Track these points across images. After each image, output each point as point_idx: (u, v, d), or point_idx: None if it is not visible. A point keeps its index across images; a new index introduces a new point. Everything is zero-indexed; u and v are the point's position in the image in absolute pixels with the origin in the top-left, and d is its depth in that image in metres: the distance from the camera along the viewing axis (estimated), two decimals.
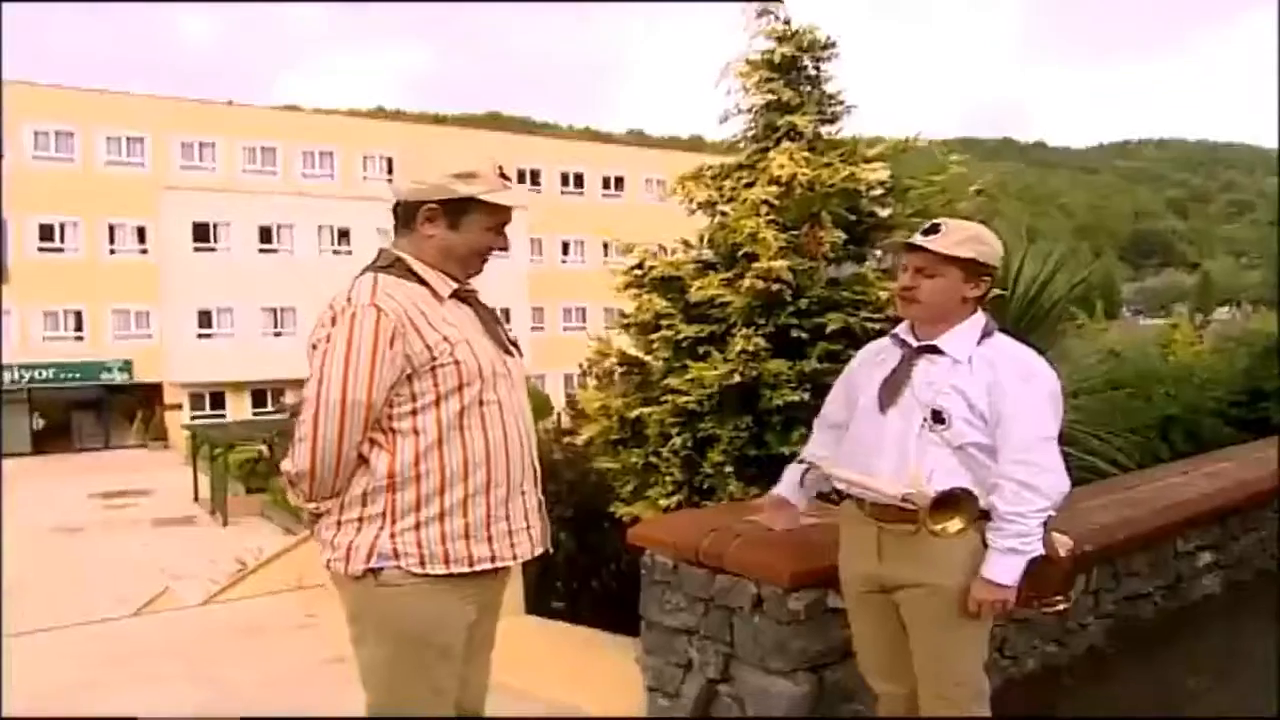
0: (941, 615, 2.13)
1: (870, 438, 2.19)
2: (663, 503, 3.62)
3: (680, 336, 3.64)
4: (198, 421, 28.30)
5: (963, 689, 2.19)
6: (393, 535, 1.84)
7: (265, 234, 31.28)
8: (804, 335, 3.47)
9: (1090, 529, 3.26)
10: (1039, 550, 2.06)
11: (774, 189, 3.55)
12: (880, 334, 3.42)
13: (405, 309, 1.84)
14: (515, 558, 1.97)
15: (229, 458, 22.31)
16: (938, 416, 2.08)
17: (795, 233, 3.53)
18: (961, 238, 2.14)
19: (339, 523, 1.88)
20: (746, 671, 2.75)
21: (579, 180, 39.87)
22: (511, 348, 2.06)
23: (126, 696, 3.89)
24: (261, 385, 31.54)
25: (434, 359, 1.84)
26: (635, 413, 3.74)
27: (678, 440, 3.56)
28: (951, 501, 2.04)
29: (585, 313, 38.61)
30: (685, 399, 3.48)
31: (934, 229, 2.17)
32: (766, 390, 3.41)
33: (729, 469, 3.45)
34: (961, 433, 2.07)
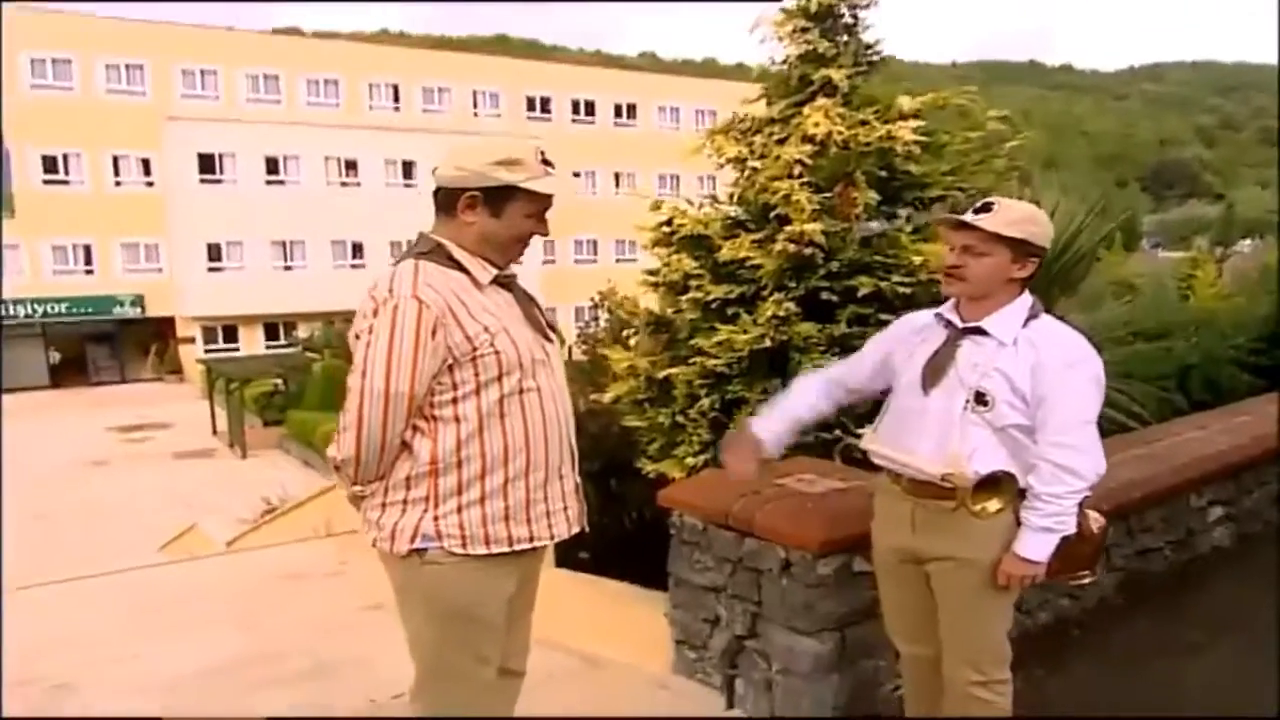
0: (971, 587, 2.18)
1: (912, 416, 2.20)
2: (689, 461, 3.68)
3: (710, 298, 3.63)
4: (211, 355, 28.60)
5: (986, 654, 2.27)
6: (436, 518, 1.90)
7: (271, 165, 30.94)
8: (834, 298, 3.46)
9: (1109, 488, 3.29)
10: (1072, 529, 2.10)
11: (808, 148, 3.47)
12: (911, 298, 3.43)
13: (446, 299, 1.86)
14: (553, 537, 2.04)
15: (245, 391, 22.61)
16: (981, 398, 2.09)
17: (828, 195, 3.46)
18: (1014, 217, 2.10)
19: (384, 505, 1.94)
20: (773, 630, 2.83)
21: (590, 108, 39.04)
22: (550, 332, 2.09)
23: (169, 643, 4.04)
24: (273, 318, 31.68)
25: (474, 349, 1.87)
26: (663, 373, 3.76)
27: (706, 402, 3.58)
28: (993, 483, 2.08)
29: (596, 245, 38.36)
30: (715, 361, 3.49)
31: (986, 207, 2.13)
32: (795, 353, 3.41)
33: None
34: (1004, 414, 2.08)
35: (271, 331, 31.92)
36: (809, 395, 2.42)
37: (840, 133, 3.46)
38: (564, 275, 34.86)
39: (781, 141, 3.72)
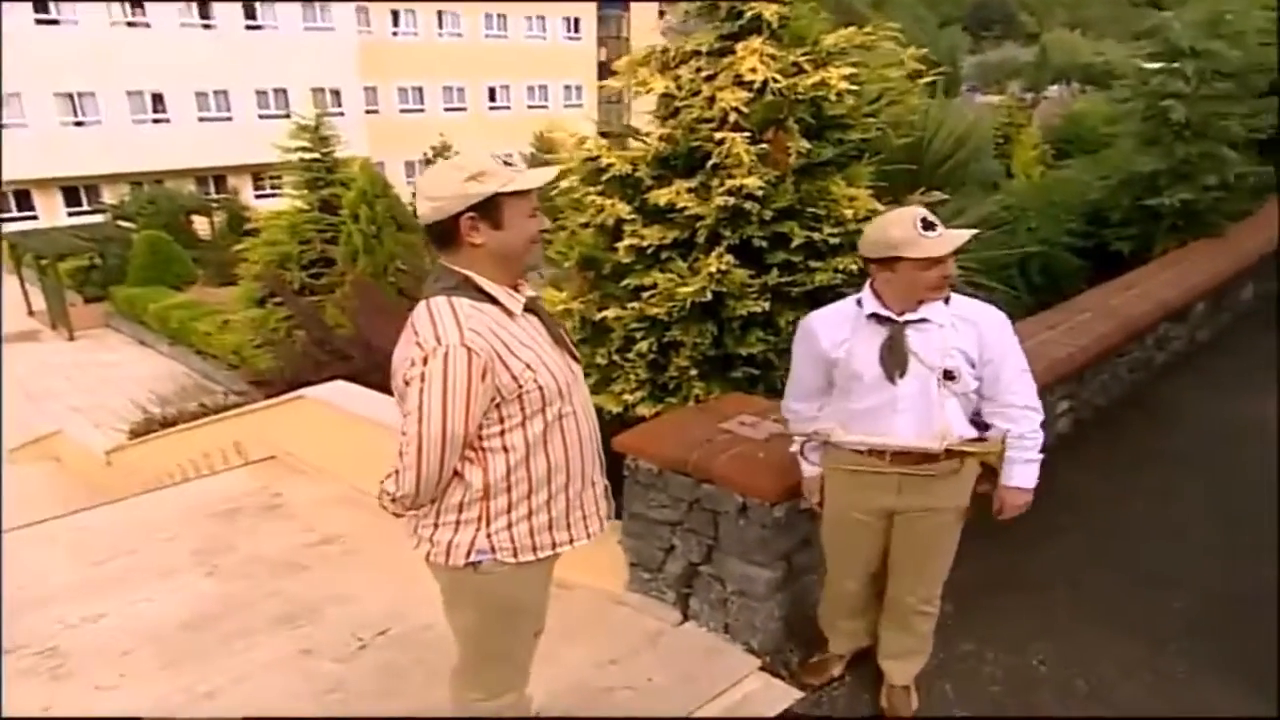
0: (936, 531, 2.60)
1: (883, 405, 2.46)
2: (627, 398, 3.84)
3: (644, 244, 3.68)
4: (9, 227, 25.30)
5: (935, 582, 2.74)
6: (489, 535, 2.09)
7: (40, 3, 26.41)
8: (764, 244, 3.60)
9: None
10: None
11: (744, 94, 3.46)
12: (839, 248, 3.69)
13: (490, 344, 1.96)
14: (588, 537, 2.28)
15: (59, 267, 20.50)
16: (949, 375, 2.42)
17: (764, 144, 3.51)
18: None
19: (436, 524, 2.10)
20: (729, 560, 3.17)
21: None
22: (574, 350, 2.24)
23: (135, 596, 3.91)
24: (71, 181, 27.97)
25: (520, 387, 2.00)
26: (599, 316, 3.87)
27: (643, 345, 3.71)
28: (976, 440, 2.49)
29: (423, 93, 35.69)
30: (655, 309, 3.62)
31: (930, 224, 2.34)
32: (731, 300, 3.58)
33: (694, 372, 3.72)
34: (968, 383, 2.44)
35: (72, 197, 28.34)
36: (813, 419, 2.69)
37: (775, 80, 3.46)
38: (391, 127, 32.35)
39: (710, 78, 3.70)
